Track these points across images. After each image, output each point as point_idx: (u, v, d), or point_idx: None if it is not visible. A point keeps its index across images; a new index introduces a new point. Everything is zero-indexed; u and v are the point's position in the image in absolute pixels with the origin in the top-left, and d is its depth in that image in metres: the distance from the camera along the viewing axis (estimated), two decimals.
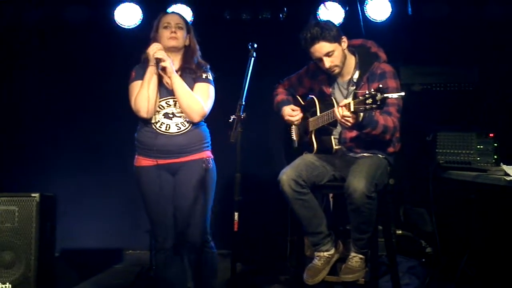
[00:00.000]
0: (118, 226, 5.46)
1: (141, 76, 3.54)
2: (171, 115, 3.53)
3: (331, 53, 3.47)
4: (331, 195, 4.08)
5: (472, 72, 4.78)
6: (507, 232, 3.76)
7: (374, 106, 3.02)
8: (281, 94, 3.91)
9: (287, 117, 3.77)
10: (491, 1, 5.09)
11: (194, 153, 3.55)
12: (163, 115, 3.53)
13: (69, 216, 5.10)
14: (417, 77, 4.79)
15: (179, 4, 5.16)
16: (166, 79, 3.55)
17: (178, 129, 3.53)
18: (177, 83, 3.48)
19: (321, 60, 3.50)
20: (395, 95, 3.11)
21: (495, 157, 3.91)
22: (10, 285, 3.95)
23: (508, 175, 3.42)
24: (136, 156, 3.61)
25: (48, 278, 4.19)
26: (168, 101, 3.55)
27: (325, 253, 3.57)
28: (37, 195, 4.04)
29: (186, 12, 5.14)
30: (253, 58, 3.35)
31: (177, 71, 3.56)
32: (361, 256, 3.50)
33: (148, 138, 3.53)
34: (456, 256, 4.07)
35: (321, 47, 3.46)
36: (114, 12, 5.17)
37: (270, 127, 4.08)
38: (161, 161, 3.52)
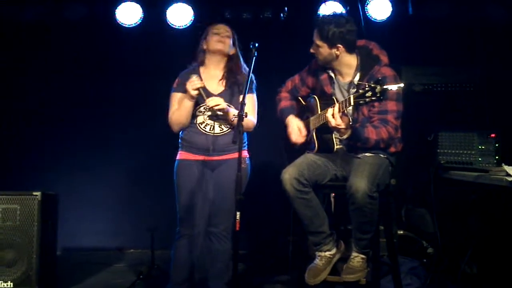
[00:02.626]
0: (120, 225, 5.46)
1: (181, 89, 3.77)
2: (215, 117, 3.73)
3: (317, 46, 3.54)
4: (332, 194, 4.08)
5: (473, 72, 4.77)
6: (509, 232, 3.76)
7: (374, 98, 3.05)
8: (284, 99, 3.90)
9: (290, 131, 3.76)
10: (492, 1, 5.09)
11: (233, 152, 3.73)
12: (208, 116, 3.74)
13: (71, 214, 5.10)
14: (418, 77, 4.78)
15: (180, 3, 5.17)
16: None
17: (221, 130, 3.75)
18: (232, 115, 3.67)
19: (313, 42, 3.57)
20: (394, 87, 3.13)
21: (497, 157, 3.91)
22: (12, 284, 3.96)
23: (509, 175, 3.42)
24: (179, 151, 3.83)
25: (50, 277, 4.20)
26: (204, 96, 3.69)
27: (327, 253, 3.57)
28: (38, 193, 4.05)
29: (187, 11, 5.15)
30: (254, 58, 3.36)
31: (221, 79, 3.81)
32: (362, 256, 3.50)
33: (193, 137, 3.76)
34: (457, 256, 4.08)
35: (315, 34, 3.53)
36: (115, 11, 5.18)
37: (272, 125, 4.07)
38: (202, 158, 3.75)
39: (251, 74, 3.39)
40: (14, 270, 3.98)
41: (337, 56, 3.52)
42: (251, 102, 3.80)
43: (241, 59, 3.88)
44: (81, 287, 4.53)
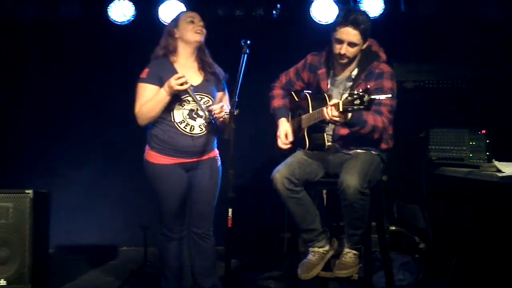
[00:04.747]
0: (113, 222, 5.46)
1: (154, 79, 3.59)
2: (195, 115, 3.62)
3: (353, 46, 3.44)
4: (324, 191, 4.10)
5: (464, 69, 4.79)
6: (499, 228, 3.79)
7: (361, 107, 3.03)
8: (277, 98, 3.86)
9: (278, 136, 3.73)
10: None
11: (209, 151, 3.70)
12: (187, 114, 3.61)
13: (63, 212, 5.10)
14: (410, 74, 4.80)
15: (172, 0, 5.17)
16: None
17: (200, 130, 3.64)
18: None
19: (340, 42, 3.45)
20: (382, 97, 3.11)
21: (487, 153, 3.94)
22: (5, 282, 3.96)
23: (500, 171, 3.45)
24: (151, 152, 3.66)
25: (43, 274, 4.21)
26: (195, 97, 3.59)
27: (320, 249, 3.58)
28: (30, 191, 4.05)
29: (180, 8, 5.15)
30: (246, 55, 3.35)
31: (197, 70, 3.70)
32: (354, 252, 3.51)
33: (171, 138, 3.60)
34: (449, 252, 4.10)
35: (352, 35, 3.40)
36: (107, 8, 5.18)
37: (264, 123, 4.08)
38: (180, 160, 3.63)
39: (242, 71, 3.36)
40: (7, 268, 3.99)
41: (361, 51, 3.53)
42: (226, 97, 3.79)
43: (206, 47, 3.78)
44: (74, 284, 4.55)
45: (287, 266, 4.16)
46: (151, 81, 3.60)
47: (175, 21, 3.72)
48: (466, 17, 5.14)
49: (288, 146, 3.71)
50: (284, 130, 3.73)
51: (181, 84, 3.47)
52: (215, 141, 3.77)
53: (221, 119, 3.57)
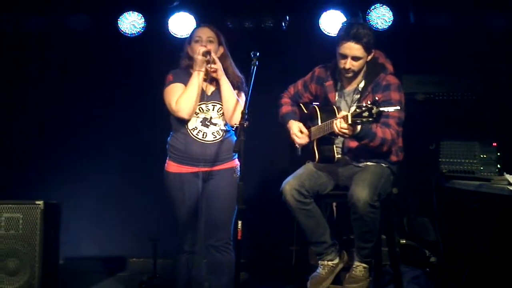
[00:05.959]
0: (122, 234, 5.45)
1: (180, 79, 3.65)
2: (208, 123, 3.63)
3: (357, 59, 3.47)
4: (334, 204, 4.08)
5: (475, 81, 4.78)
6: (511, 241, 3.76)
7: (370, 119, 3.04)
8: (286, 105, 3.90)
9: (293, 136, 3.74)
10: (493, 9, 5.10)
11: (226, 161, 3.68)
12: (201, 121, 3.63)
13: (73, 223, 5.09)
14: (420, 86, 4.79)
15: (182, 12, 5.19)
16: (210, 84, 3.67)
17: (214, 138, 3.64)
18: (225, 86, 3.59)
19: (344, 57, 3.48)
20: (391, 109, 3.11)
21: (499, 166, 3.92)
22: None
23: (511, 184, 3.42)
24: (169, 162, 3.71)
25: (52, 286, 4.20)
26: (208, 105, 3.64)
27: (329, 262, 3.58)
28: (41, 202, 4.05)
29: (189, 21, 5.18)
30: (255, 67, 3.35)
31: (211, 81, 3.68)
32: (364, 265, 3.50)
33: (184, 145, 3.63)
34: (460, 265, 4.07)
35: (356, 49, 3.45)
36: (117, 20, 5.21)
37: (274, 135, 4.08)
38: (194, 168, 3.63)
39: (252, 83, 3.35)
40: (16, 279, 3.98)
41: (367, 62, 3.53)
42: (241, 99, 3.71)
43: (230, 58, 3.78)
44: None
45: (297, 280, 4.14)
46: (179, 81, 3.67)
47: (189, 39, 3.76)
48: (476, 29, 5.11)
49: (306, 140, 3.70)
50: (297, 127, 3.74)
51: (204, 52, 3.55)
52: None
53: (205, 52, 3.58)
